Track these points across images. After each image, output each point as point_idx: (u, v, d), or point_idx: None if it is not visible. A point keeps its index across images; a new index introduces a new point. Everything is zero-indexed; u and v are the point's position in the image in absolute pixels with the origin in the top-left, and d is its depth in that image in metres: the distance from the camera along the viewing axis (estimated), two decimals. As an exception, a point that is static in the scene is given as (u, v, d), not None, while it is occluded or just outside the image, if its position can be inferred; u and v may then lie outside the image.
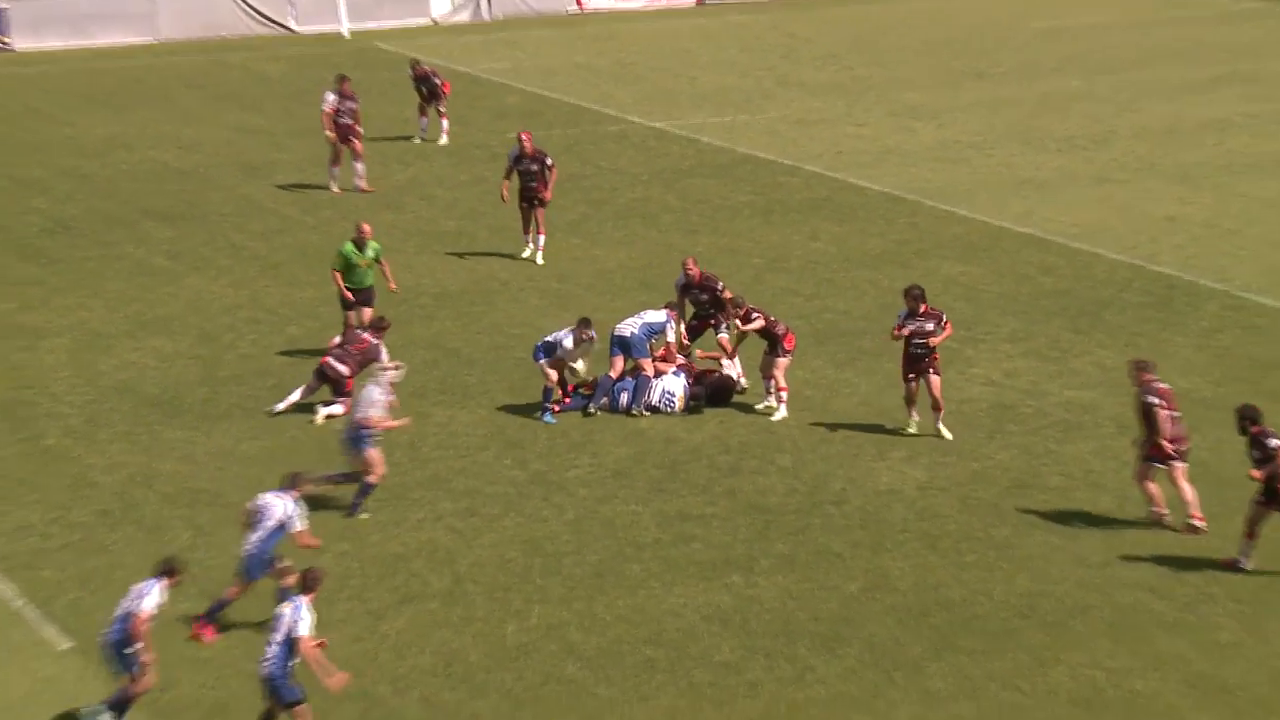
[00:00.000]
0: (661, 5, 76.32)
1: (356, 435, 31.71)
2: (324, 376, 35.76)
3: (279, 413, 35.53)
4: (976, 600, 29.25)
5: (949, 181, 51.38)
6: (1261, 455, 29.51)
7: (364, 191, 50.40)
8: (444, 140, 55.69)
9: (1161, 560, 30.23)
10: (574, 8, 75.63)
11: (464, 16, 74.62)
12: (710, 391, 36.09)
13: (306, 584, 24.92)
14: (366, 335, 36.19)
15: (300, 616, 24.49)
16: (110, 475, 33.70)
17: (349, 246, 38.37)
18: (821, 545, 30.99)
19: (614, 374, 35.80)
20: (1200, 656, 27.56)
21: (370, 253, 38.37)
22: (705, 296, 36.95)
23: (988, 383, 37.26)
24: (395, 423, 32.03)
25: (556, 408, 35.54)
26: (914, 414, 34.68)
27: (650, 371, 35.64)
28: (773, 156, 54.32)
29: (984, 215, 48.34)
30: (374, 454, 31.68)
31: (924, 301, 34.45)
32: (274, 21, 72.95)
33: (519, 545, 31.02)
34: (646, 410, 35.53)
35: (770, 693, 26.75)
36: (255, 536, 27.71)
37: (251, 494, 28.75)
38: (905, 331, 34.23)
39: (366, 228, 38.75)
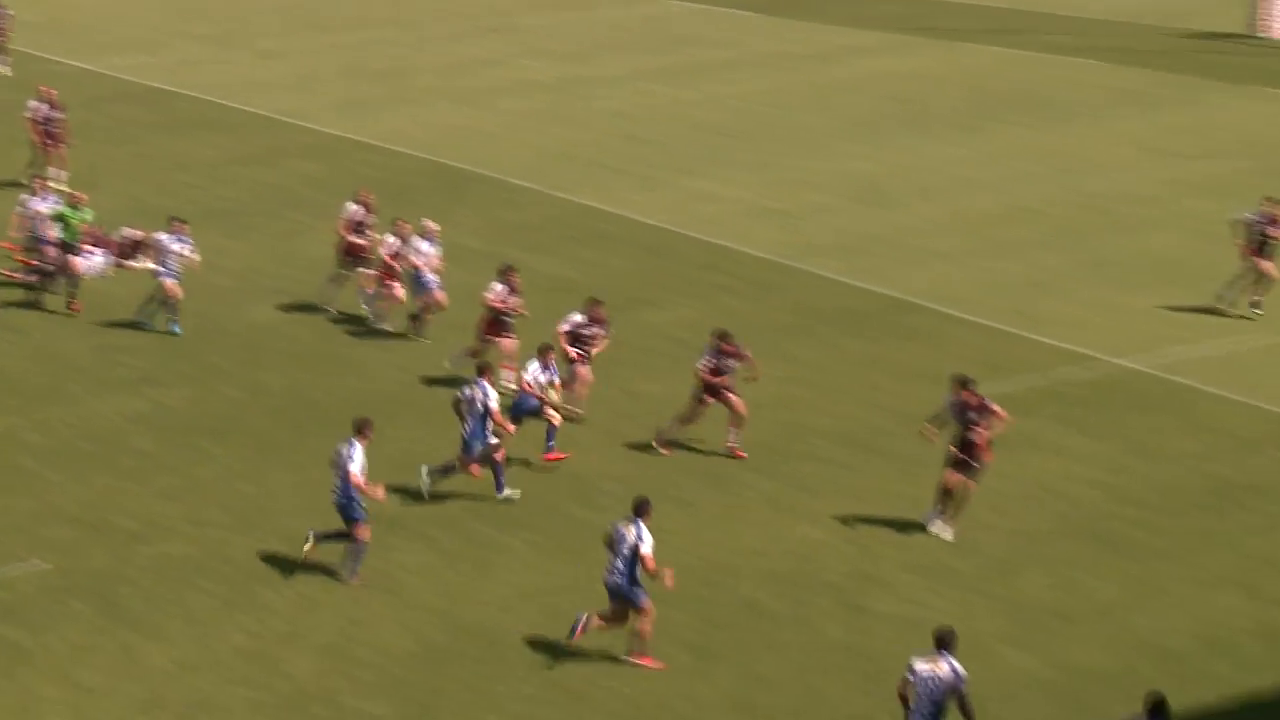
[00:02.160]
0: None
1: None
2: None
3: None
4: (331, 400, 29.12)
5: (300, 104, 50.55)
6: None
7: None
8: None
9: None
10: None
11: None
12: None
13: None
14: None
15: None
16: None
17: (67, 209, 33.26)
18: (211, 364, 30.52)
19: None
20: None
21: (87, 215, 33.36)
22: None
23: (332, 246, 36.87)
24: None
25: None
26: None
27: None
28: (173, 88, 52.70)
29: (325, 127, 47.78)
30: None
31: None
32: None
33: (-12, 374, 29.84)
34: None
35: (181, 471, 26.36)
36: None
37: None
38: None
39: (83, 196, 33.95)
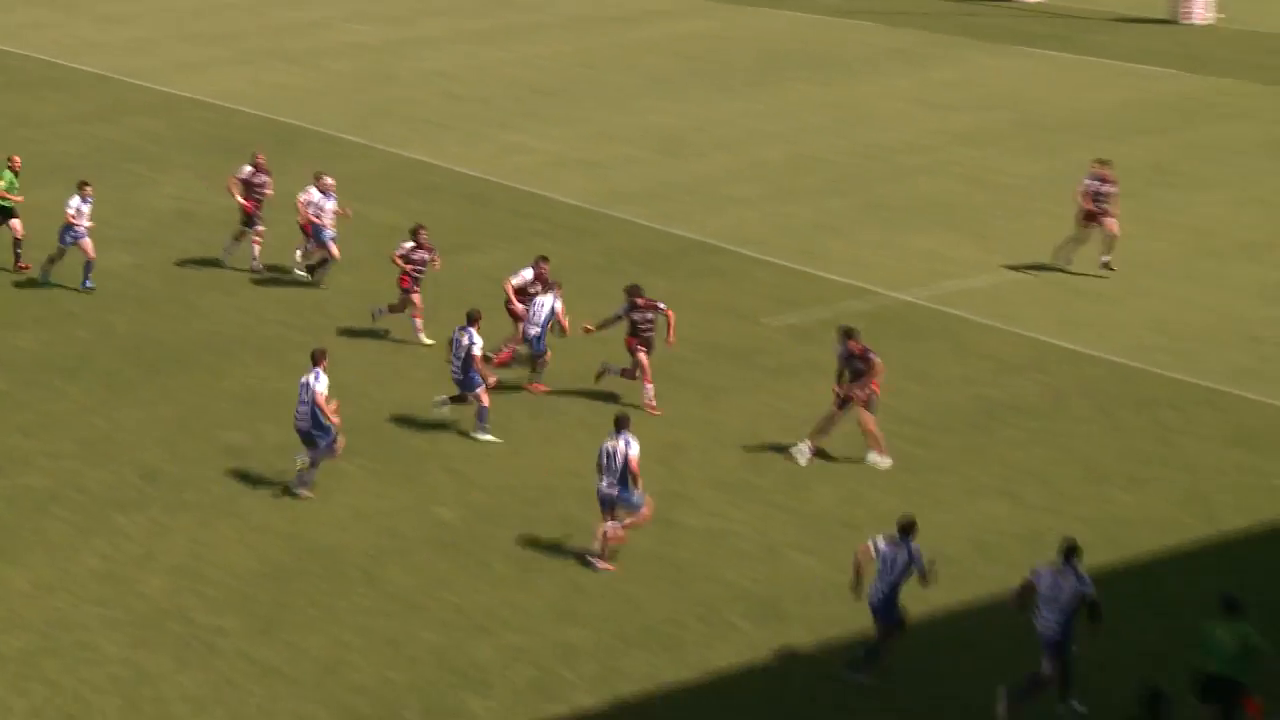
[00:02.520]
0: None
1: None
2: None
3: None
4: (176, 341, 28.79)
5: (139, 64, 49.63)
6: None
7: None
8: None
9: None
10: None
11: None
12: None
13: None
14: None
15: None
16: None
17: (9, 176, 31.69)
18: (62, 308, 30.13)
19: None
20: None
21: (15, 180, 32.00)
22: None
23: (172, 197, 36.51)
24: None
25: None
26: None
27: None
28: (14, 49, 51.50)
29: (163, 86, 46.94)
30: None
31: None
32: None
33: None
34: None
35: (35, 408, 26.02)
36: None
37: None
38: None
39: (17, 160, 32.32)
